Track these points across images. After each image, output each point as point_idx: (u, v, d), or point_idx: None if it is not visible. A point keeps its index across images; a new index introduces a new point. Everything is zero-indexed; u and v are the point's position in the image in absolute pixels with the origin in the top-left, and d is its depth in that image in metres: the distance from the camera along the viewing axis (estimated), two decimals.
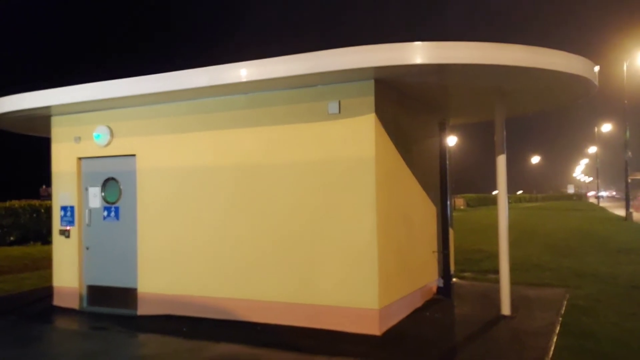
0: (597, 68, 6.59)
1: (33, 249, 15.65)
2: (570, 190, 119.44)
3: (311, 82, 6.45)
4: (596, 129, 62.49)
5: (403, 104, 7.29)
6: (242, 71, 6.33)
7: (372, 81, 6.28)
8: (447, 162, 8.59)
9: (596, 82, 6.62)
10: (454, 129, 31.70)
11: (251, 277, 6.92)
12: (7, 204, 17.21)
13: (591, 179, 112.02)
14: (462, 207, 56.97)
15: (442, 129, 8.54)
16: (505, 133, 7.31)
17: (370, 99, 6.29)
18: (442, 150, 8.54)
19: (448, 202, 8.70)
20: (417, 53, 5.68)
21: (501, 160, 7.22)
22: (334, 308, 6.40)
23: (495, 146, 7.27)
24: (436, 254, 8.54)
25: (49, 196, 24.57)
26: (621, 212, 35.13)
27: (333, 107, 6.48)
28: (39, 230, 17.32)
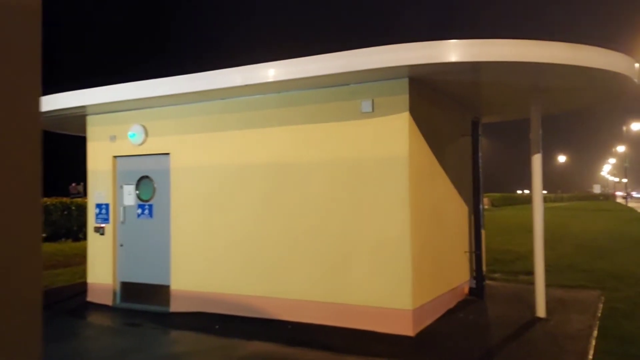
0: (637, 65, 6.41)
1: (64, 246, 15.94)
2: (597, 190, 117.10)
3: (344, 81, 6.42)
4: (625, 128, 61.15)
5: (436, 102, 7.21)
6: (276, 70, 6.33)
7: (407, 79, 6.22)
8: (480, 161, 8.47)
9: (636, 80, 6.44)
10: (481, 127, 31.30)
11: (282, 275, 6.93)
12: None
13: (618, 179, 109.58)
14: (487, 207, 56.30)
15: (475, 126, 8.43)
16: (541, 131, 7.18)
17: (405, 97, 6.24)
18: (475, 148, 8.43)
19: (480, 202, 8.59)
20: (453, 51, 5.61)
21: (537, 159, 7.09)
22: (366, 308, 6.37)
23: (531, 145, 7.14)
24: (468, 254, 8.43)
25: (78, 194, 25.03)
26: None
27: (366, 105, 6.45)
28: (69, 227, 17.64)
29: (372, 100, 6.41)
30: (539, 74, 6.14)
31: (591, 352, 5.51)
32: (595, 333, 6.19)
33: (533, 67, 5.78)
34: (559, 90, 6.96)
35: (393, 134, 6.30)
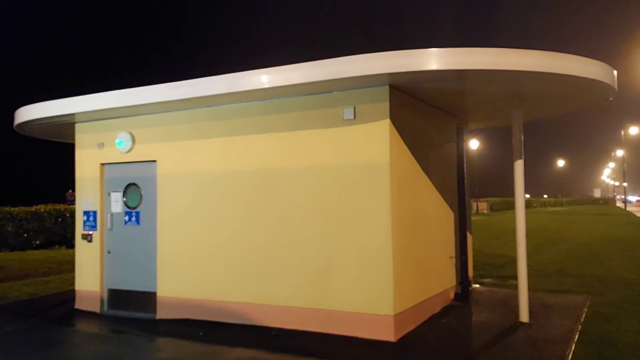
0: (616, 73, 6.48)
1: (57, 253, 15.98)
2: (597, 194, 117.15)
3: (327, 89, 6.50)
4: (623, 132, 61.26)
5: (419, 109, 7.28)
6: (258, 78, 6.40)
7: (387, 87, 6.29)
8: (465, 167, 8.53)
9: (615, 87, 6.50)
10: (478, 133, 31.44)
11: (267, 281, 6.98)
12: (33, 208, 17.61)
13: (617, 183, 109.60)
14: (485, 211, 56.32)
15: (460, 133, 8.49)
16: (522, 137, 7.24)
17: (385, 105, 6.31)
18: (460, 154, 8.49)
19: (466, 207, 8.64)
20: (432, 59, 5.68)
21: (519, 165, 7.15)
22: (349, 314, 6.41)
23: (513, 151, 7.21)
24: (454, 259, 8.47)
25: (74, 200, 25.14)
26: None
27: (348, 113, 6.52)
28: (63, 234, 17.68)
29: (354, 108, 6.48)
30: (519, 81, 6.21)
31: (570, 356, 5.56)
32: (576, 337, 6.23)
33: (512, 75, 5.86)
34: (539, 97, 7.03)
35: (374, 141, 6.36)
